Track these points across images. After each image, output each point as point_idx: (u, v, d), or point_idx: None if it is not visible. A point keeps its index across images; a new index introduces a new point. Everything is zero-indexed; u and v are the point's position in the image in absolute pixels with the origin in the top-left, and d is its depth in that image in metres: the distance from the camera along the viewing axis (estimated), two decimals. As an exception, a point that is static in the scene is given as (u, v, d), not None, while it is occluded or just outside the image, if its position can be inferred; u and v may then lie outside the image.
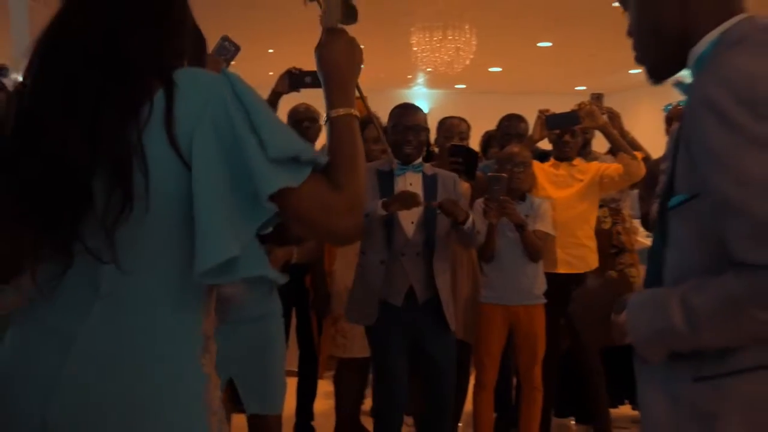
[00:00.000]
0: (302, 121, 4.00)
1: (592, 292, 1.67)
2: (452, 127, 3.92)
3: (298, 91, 3.29)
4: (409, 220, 3.05)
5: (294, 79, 3.06)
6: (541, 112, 3.76)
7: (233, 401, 2.81)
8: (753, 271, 1.18)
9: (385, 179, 3.10)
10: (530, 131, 3.87)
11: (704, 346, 1.29)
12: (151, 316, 1.19)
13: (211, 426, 1.22)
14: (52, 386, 1.16)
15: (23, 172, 1.16)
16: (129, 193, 1.13)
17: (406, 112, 3.17)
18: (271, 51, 10.49)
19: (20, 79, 1.25)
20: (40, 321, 1.21)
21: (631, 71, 13.09)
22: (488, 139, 4.80)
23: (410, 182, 3.11)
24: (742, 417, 1.27)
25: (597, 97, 3.89)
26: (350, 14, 1.43)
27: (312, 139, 4.04)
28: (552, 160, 3.82)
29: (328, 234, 1.30)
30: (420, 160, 3.18)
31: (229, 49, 2.96)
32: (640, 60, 1.51)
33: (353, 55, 1.38)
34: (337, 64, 1.37)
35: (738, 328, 1.23)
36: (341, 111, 1.33)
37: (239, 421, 3.04)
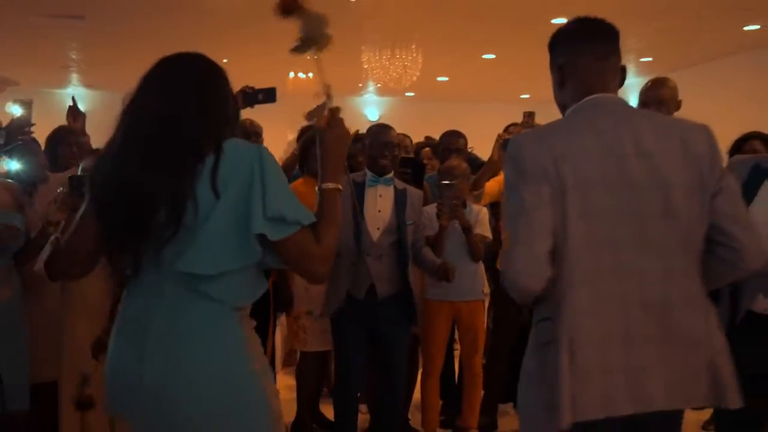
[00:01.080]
0: (249, 135, 4.31)
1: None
2: (399, 142, 4.32)
3: (251, 107, 3.61)
4: (375, 226, 3.46)
5: (247, 97, 3.30)
6: (499, 135, 4.17)
7: None
8: None
9: (359, 189, 3.50)
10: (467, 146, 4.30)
11: None
12: (204, 303, 1.73)
13: (255, 370, 1.77)
14: (143, 351, 1.72)
15: (113, 215, 1.74)
16: (178, 223, 1.69)
17: (382, 130, 3.61)
18: (225, 61, 10.60)
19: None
20: (130, 311, 1.80)
21: (572, 80, 13.67)
22: (418, 150, 5.16)
23: (380, 194, 3.53)
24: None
25: (529, 115, 4.21)
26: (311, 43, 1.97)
27: None
28: None
29: (305, 274, 1.84)
30: (392, 174, 3.60)
31: None
32: None
33: (344, 144, 1.93)
34: (332, 152, 1.89)
35: None
36: (330, 186, 1.85)
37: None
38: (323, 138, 1.91)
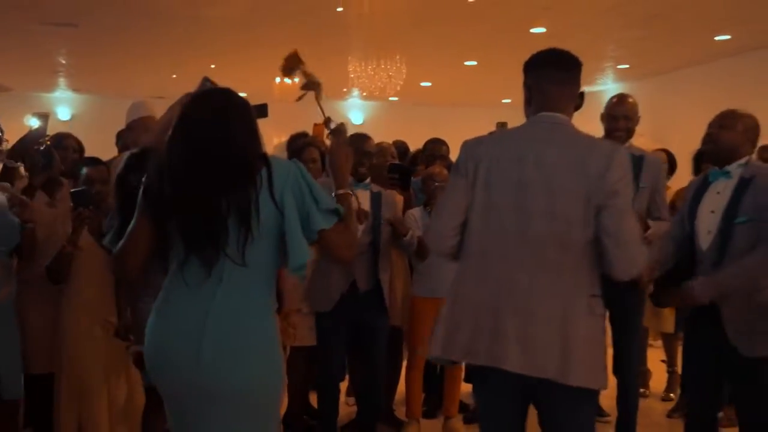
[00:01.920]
0: None
1: None
2: (384, 150, 4.59)
3: None
4: (359, 228, 3.72)
5: None
6: None
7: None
8: None
9: None
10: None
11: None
12: (253, 292, 2.11)
13: (278, 337, 2.17)
14: (202, 330, 2.05)
15: (182, 218, 2.08)
16: (249, 230, 2.05)
17: (361, 139, 3.88)
18: (213, 67, 10.87)
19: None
20: (184, 298, 2.11)
21: (552, 86, 13.94)
22: (414, 158, 5.42)
23: (359, 198, 3.80)
24: None
25: (502, 125, 4.43)
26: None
27: None
28: None
29: (339, 256, 2.23)
30: (369, 179, 3.88)
31: (208, 87, 3.46)
32: None
33: (349, 159, 2.43)
34: (340, 167, 2.40)
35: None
36: (341, 192, 2.32)
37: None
38: (332, 155, 2.40)
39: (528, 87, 2.38)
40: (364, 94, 7.71)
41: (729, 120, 3.03)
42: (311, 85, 2.64)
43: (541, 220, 2.20)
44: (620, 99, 3.78)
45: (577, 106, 2.36)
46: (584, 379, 2.18)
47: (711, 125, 3.09)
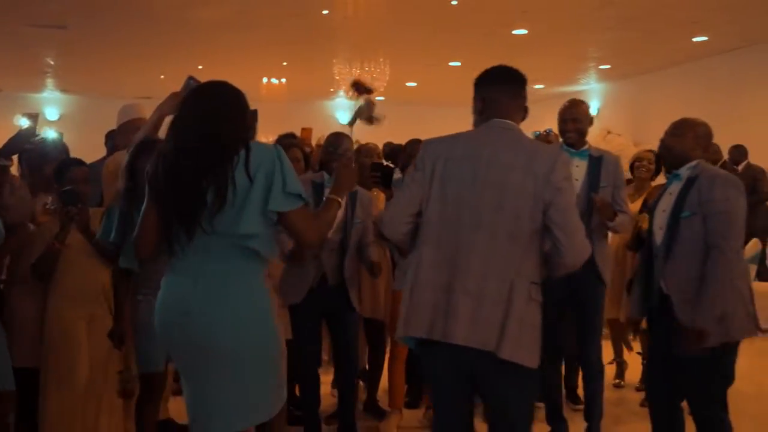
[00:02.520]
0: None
1: None
2: (370, 150, 4.77)
3: None
4: None
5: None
6: None
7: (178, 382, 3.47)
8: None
9: (317, 189, 3.92)
10: None
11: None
12: (236, 260, 2.38)
13: (272, 308, 2.42)
14: (192, 294, 2.35)
15: (170, 197, 2.37)
16: (222, 203, 2.32)
17: (337, 138, 4.03)
18: (200, 67, 11.00)
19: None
20: (180, 268, 2.41)
21: (536, 86, 14.15)
22: (395, 157, 5.50)
23: None
24: None
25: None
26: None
27: None
28: None
29: (302, 239, 2.49)
30: None
31: (192, 86, 3.44)
32: None
33: (354, 180, 2.79)
34: (344, 184, 2.70)
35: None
36: (332, 196, 2.60)
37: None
38: (338, 173, 2.73)
39: (482, 98, 2.63)
40: (350, 94, 7.84)
41: (679, 129, 3.27)
42: (362, 117, 2.96)
43: (492, 213, 2.46)
44: (570, 103, 4.04)
45: (522, 118, 2.66)
46: (518, 355, 2.41)
47: (665, 133, 3.32)
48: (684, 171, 3.20)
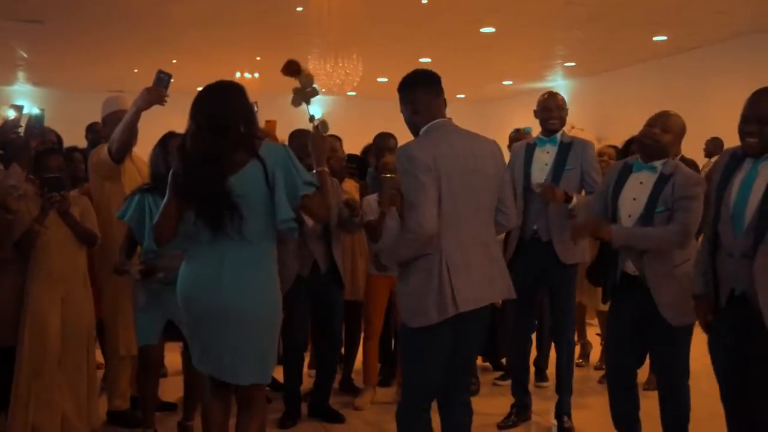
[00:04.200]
0: None
1: None
2: (332, 143, 4.92)
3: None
4: None
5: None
6: None
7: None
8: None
9: None
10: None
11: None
12: (258, 245, 2.82)
13: (276, 278, 2.90)
14: (220, 271, 2.77)
15: (195, 195, 2.78)
16: (240, 208, 2.76)
17: (305, 135, 4.23)
18: (174, 62, 11.10)
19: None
20: (207, 252, 2.82)
21: (505, 82, 14.42)
22: (365, 151, 5.73)
23: None
24: None
25: (517, 131, 4.75)
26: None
27: None
28: None
29: (319, 216, 3.00)
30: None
31: (164, 79, 3.76)
32: None
33: (326, 146, 3.11)
34: (321, 152, 3.03)
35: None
36: (320, 169, 2.95)
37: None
38: (315, 143, 3.03)
39: (411, 102, 2.98)
40: (323, 90, 8.06)
41: (668, 125, 3.36)
42: (309, 93, 3.07)
43: (485, 195, 2.95)
44: (551, 94, 4.28)
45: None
46: (513, 291, 3.09)
47: (653, 125, 3.38)
48: (659, 165, 3.32)
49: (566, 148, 4.14)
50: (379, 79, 13.27)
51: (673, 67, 11.22)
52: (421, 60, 11.48)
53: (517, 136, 5.94)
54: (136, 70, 12.10)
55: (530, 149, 4.21)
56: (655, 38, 10.20)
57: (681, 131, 3.43)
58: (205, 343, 2.86)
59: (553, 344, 4.58)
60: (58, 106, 13.31)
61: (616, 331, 3.51)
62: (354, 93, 15.02)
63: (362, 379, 4.80)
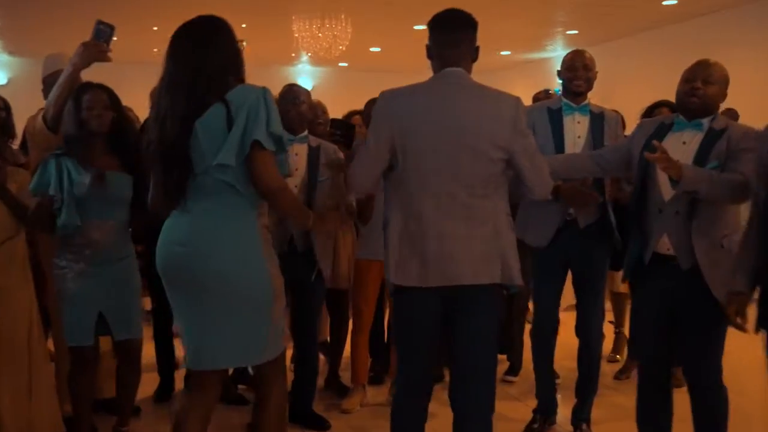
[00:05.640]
0: None
1: None
2: (315, 107, 4.32)
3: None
4: (292, 184, 3.54)
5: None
6: None
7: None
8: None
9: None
10: None
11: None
12: (226, 199, 2.45)
13: (263, 253, 2.52)
14: (189, 227, 2.47)
15: (164, 137, 2.43)
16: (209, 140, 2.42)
17: (290, 89, 3.74)
18: (155, 29, 10.63)
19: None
20: (178, 211, 2.50)
21: (503, 53, 13.92)
22: (349, 116, 5.17)
23: (296, 152, 3.62)
24: None
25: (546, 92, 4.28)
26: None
27: None
28: None
29: (264, 186, 2.44)
30: (306, 132, 3.72)
31: (105, 31, 3.26)
32: None
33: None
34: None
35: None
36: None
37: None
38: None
39: (428, 47, 2.67)
40: (309, 54, 7.53)
41: (711, 74, 2.98)
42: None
43: (467, 159, 2.52)
44: (577, 51, 3.70)
45: (474, 59, 2.66)
46: (520, 278, 2.67)
47: (692, 79, 2.98)
48: (705, 122, 2.96)
49: (599, 119, 3.60)
50: (371, 49, 12.77)
51: (683, 34, 10.72)
52: (416, 27, 10.98)
53: (548, 96, 5.30)
54: (115, 38, 11.46)
55: (556, 117, 3.61)
56: (664, 3, 9.70)
57: (725, 80, 3.01)
58: (181, 319, 2.59)
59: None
60: (35, 76, 12.76)
61: (648, 320, 3.04)
62: (345, 64, 14.61)
63: (350, 377, 4.27)
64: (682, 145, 2.94)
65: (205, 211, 2.45)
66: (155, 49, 7.82)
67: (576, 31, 11.87)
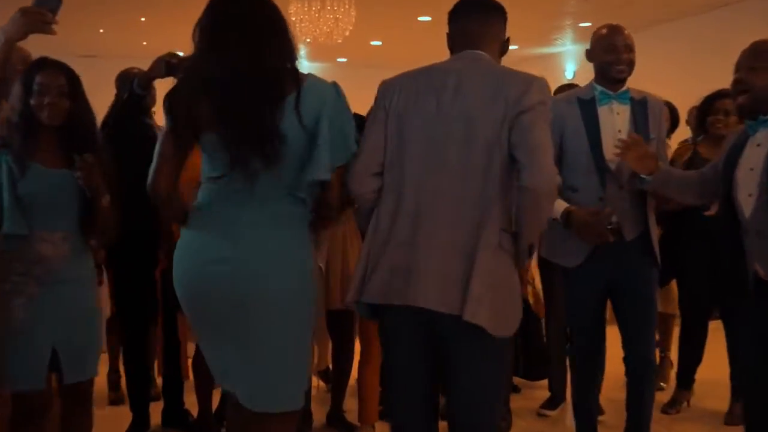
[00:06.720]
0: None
1: None
2: None
3: (174, 77, 3.18)
4: None
5: (170, 68, 3.11)
6: None
7: None
8: None
9: None
10: None
11: None
12: (284, 204, 2.17)
13: (312, 267, 2.25)
14: (233, 240, 2.12)
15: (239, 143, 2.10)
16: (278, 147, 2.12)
17: None
18: (143, 20, 10.32)
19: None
20: (226, 210, 2.16)
21: (511, 47, 13.54)
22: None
23: None
24: None
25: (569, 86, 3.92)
26: None
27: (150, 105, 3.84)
28: None
29: (331, 201, 2.24)
30: None
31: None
32: None
33: None
34: None
35: None
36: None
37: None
38: None
39: (450, 35, 2.38)
40: (308, 40, 6.95)
41: (761, 60, 2.46)
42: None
43: (459, 148, 2.16)
44: (614, 27, 3.11)
45: (503, 52, 2.36)
46: (477, 314, 2.06)
47: (739, 69, 2.51)
48: None
49: (642, 107, 3.05)
50: (372, 42, 12.41)
51: (701, 26, 10.38)
52: (420, 19, 10.64)
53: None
54: (101, 31, 11.27)
55: (588, 109, 3.04)
56: (686, -8, 9.32)
57: None
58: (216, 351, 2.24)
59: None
60: (19, 72, 12.37)
61: (755, 354, 2.49)
62: (345, 59, 14.15)
63: (357, 413, 3.68)
64: (756, 149, 2.44)
65: (258, 221, 2.14)
66: (144, 42, 7.40)
67: (589, 23, 11.44)
